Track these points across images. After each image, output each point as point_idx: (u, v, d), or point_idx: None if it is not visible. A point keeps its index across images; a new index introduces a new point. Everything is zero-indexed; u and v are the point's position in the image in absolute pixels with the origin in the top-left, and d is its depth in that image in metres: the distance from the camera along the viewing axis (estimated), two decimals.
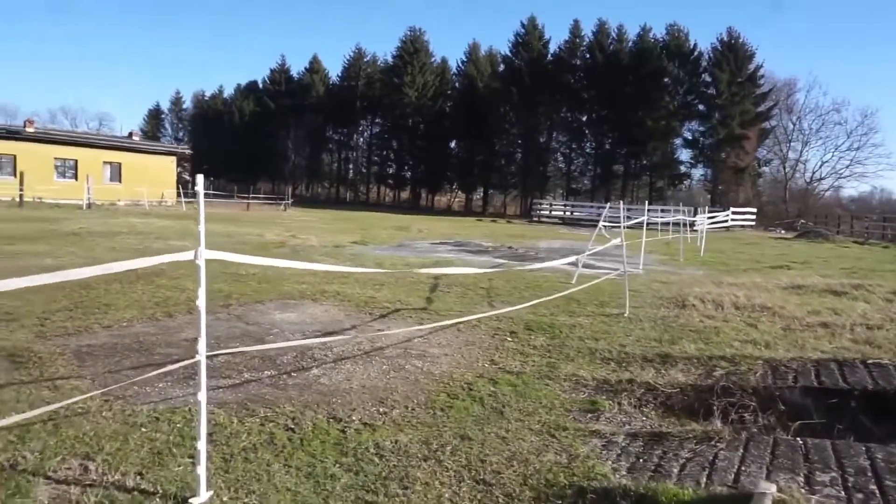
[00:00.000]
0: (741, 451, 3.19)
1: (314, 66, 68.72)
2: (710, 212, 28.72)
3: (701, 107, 50.14)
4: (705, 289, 9.09)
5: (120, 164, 37.22)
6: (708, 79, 49.31)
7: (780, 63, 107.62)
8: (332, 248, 14.62)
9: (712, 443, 3.34)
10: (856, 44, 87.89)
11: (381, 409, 3.98)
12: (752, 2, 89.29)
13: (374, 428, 3.64)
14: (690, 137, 51.68)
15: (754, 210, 41.27)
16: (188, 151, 44.60)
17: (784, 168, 55.29)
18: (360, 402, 4.11)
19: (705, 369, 4.90)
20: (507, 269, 9.22)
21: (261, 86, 72.70)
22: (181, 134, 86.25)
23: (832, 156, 54.52)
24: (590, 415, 4.08)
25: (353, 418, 3.79)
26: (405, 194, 66.85)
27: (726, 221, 34.53)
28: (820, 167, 55.72)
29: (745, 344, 5.75)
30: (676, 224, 22.73)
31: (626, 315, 7.31)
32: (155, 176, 37.50)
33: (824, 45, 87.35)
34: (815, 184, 56.19)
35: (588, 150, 56.34)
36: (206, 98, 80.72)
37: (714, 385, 4.32)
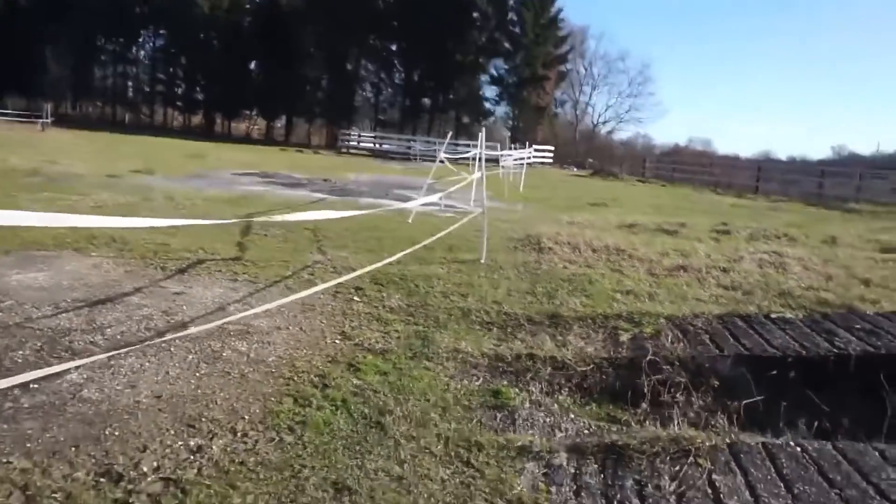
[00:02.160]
0: (738, 472, 2.31)
1: None
2: (511, 149, 29.31)
3: (507, 45, 51.04)
4: (552, 228, 8.51)
5: None
6: (514, 18, 50.13)
7: (574, 9, 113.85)
8: (106, 177, 11.74)
9: (691, 458, 2.42)
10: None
11: (191, 443, 2.47)
12: None
13: (182, 489, 2.14)
14: (496, 75, 52.69)
15: (552, 148, 43.56)
16: None
17: (575, 110, 59.31)
18: (155, 431, 2.54)
19: (606, 333, 4.07)
20: (380, 212, 7.77)
21: None
22: None
23: (616, 101, 59.57)
24: (499, 415, 2.98)
25: (144, 468, 2.25)
26: (197, 119, 59.85)
27: (529, 158, 35.89)
28: (605, 111, 60.73)
29: (626, 296, 5.07)
30: (488, 161, 22.62)
31: (482, 261, 6.35)
32: None
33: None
34: (601, 126, 61.22)
35: (397, 82, 54.86)
36: None
37: (637, 359, 3.46)
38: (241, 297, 4.60)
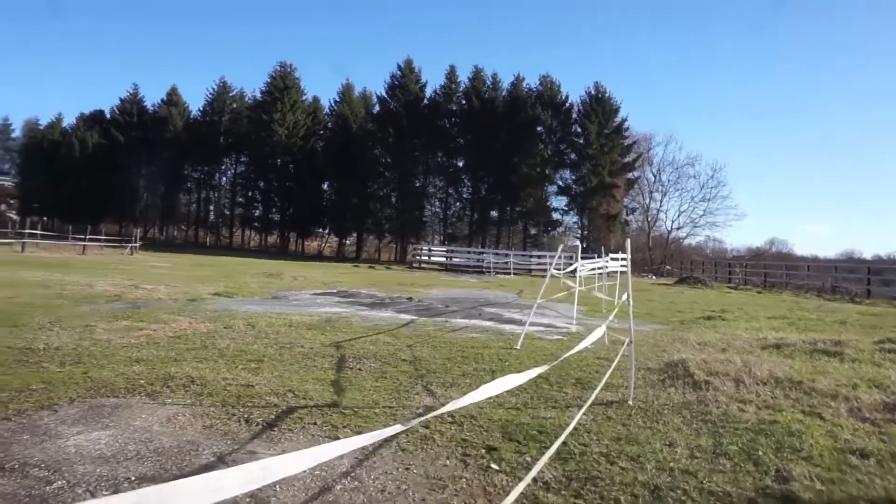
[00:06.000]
0: None
1: (172, 98, 62.83)
2: (584, 258, 28.12)
3: (573, 156, 51.40)
4: (687, 353, 7.17)
5: None
6: (578, 129, 50.77)
7: (639, 118, 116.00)
8: (187, 301, 11.30)
9: None
10: (707, 106, 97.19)
11: None
12: (620, 60, 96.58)
13: None
14: (563, 185, 52.73)
15: (628, 256, 42.07)
16: (9, 183, 37.64)
17: (647, 216, 58.12)
18: None
19: None
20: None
21: (108, 116, 65.09)
22: (7, 166, 75.41)
23: (688, 206, 58.19)
24: None
25: None
26: (272, 238, 62.21)
27: (606, 267, 34.45)
28: (678, 217, 59.26)
29: (864, 461, 3.69)
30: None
31: (630, 403, 5.09)
32: None
33: (680, 104, 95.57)
34: (674, 232, 59.54)
35: (465, 196, 55.65)
36: (41, 127, 71.17)
37: None
38: (350, 467, 3.51)
